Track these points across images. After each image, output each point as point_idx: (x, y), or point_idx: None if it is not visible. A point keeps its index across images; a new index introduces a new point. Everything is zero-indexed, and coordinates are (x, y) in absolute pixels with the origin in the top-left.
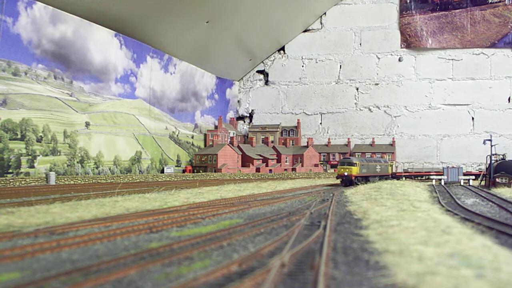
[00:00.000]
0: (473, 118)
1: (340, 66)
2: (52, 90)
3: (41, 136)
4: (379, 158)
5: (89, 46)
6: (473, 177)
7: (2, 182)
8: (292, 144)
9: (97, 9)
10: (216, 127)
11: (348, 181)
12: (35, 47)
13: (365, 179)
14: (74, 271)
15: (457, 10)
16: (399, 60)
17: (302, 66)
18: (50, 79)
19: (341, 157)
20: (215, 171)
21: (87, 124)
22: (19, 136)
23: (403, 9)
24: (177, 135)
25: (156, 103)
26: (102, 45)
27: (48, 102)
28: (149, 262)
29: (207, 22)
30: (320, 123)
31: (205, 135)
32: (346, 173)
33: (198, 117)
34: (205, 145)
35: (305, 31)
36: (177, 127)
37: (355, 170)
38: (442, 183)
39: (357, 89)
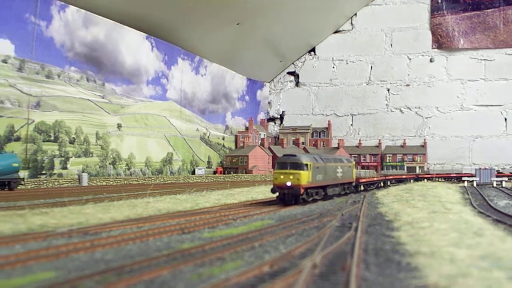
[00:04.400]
0: (506, 119)
1: (371, 67)
2: (85, 92)
3: (73, 137)
4: (339, 157)
5: (120, 48)
6: (506, 178)
7: (36, 183)
8: (323, 146)
9: (129, 12)
10: (247, 128)
11: (291, 197)
12: (68, 50)
13: (320, 190)
14: (107, 271)
15: (490, 10)
16: (431, 60)
17: (333, 67)
18: (83, 81)
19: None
20: (246, 173)
21: (119, 126)
22: (52, 138)
23: (434, 9)
24: (208, 137)
25: (187, 105)
26: (134, 48)
27: (80, 104)
28: (181, 262)
29: (237, 24)
30: (351, 124)
31: (236, 136)
32: (289, 183)
33: (229, 119)
34: (236, 147)
35: (335, 32)
36: (208, 128)
37: (304, 178)
38: (474, 184)
39: (388, 90)
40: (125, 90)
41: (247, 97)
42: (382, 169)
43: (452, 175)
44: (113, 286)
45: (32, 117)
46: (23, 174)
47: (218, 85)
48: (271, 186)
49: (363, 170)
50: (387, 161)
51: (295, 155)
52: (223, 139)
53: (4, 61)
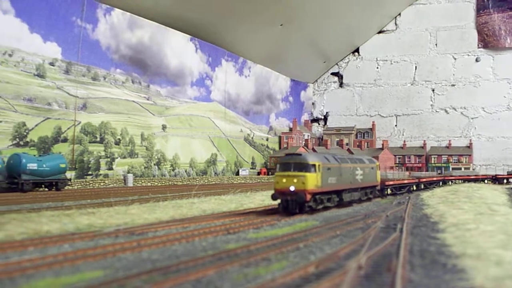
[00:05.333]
0: None
1: (416, 67)
2: (130, 94)
3: (119, 139)
4: (359, 156)
5: (165, 50)
6: None
7: (83, 183)
8: (367, 146)
9: (173, 14)
10: (290, 129)
11: (295, 205)
12: (114, 52)
13: (333, 196)
14: (154, 271)
15: None
16: (476, 60)
17: (377, 67)
18: (128, 83)
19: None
20: None
21: (164, 127)
22: (98, 139)
23: (480, 8)
24: (252, 138)
25: (231, 106)
26: (178, 50)
27: (126, 105)
28: (227, 262)
29: (281, 25)
30: (395, 125)
31: (279, 137)
32: (293, 188)
33: (273, 120)
34: (279, 148)
35: (379, 32)
36: (252, 129)
37: (311, 181)
38: None
39: (433, 90)
40: (170, 92)
41: (290, 98)
42: (427, 170)
43: (471, 177)
44: (160, 285)
45: (78, 119)
46: (70, 174)
47: (262, 86)
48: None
49: (391, 172)
50: (432, 162)
51: (300, 154)
52: (267, 140)
53: (52, 64)
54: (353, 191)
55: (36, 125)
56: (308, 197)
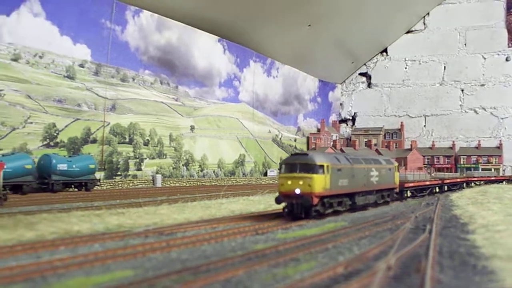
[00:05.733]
0: None
1: (444, 67)
2: (158, 95)
3: (147, 139)
4: (374, 157)
5: (193, 51)
6: None
7: (112, 184)
8: (396, 147)
9: (201, 16)
10: (318, 130)
11: (301, 209)
12: (142, 54)
13: (345, 199)
14: (184, 270)
15: None
16: (507, 59)
17: (405, 67)
18: (156, 84)
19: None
20: None
21: (192, 128)
22: (127, 140)
23: (510, 7)
24: (280, 138)
25: (259, 107)
26: (206, 50)
27: (154, 106)
28: (256, 263)
29: (308, 25)
30: (424, 126)
31: (307, 138)
32: (298, 190)
33: (301, 120)
34: (307, 148)
35: (407, 32)
36: (280, 130)
37: (319, 183)
38: None
39: (462, 90)
40: (198, 93)
41: (319, 99)
42: (456, 171)
43: (491, 178)
44: (190, 285)
45: (108, 120)
46: (99, 175)
47: (290, 87)
48: None
49: (411, 173)
50: (461, 163)
51: (306, 154)
52: (295, 140)
53: (81, 66)
54: (367, 194)
55: (66, 126)
56: (315, 200)
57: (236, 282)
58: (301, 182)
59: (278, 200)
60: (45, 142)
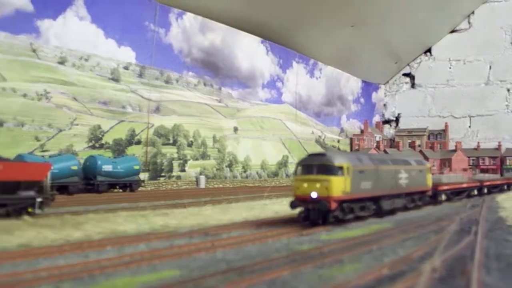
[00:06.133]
0: None
1: (490, 66)
2: (202, 96)
3: (191, 141)
4: (404, 157)
5: (236, 53)
6: None
7: (156, 185)
8: (440, 148)
9: (244, 17)
10: (362, 131)
11: (318, 214)
12: (186, 56)
13: (368, 204)
14: (229, 271)
15: None
16: None
17: (450, 67)
18: (200, 86)
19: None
20: None
21: (235, 129)
22: (171, 141)
23: None
24: (323, 139)
25: (302, 108)
26: (249, 52)
27: (198, 108)
28: (301, 264)
29: (352, 26)
30: (469, 126)
31: (351, 139)
32: (315, 194)
33: (344, 121)
34: (351, 149)
35: (452, 31)
36: (323, 131)
37: (337, 186)
38: None
39: (508, 90)
40: (241, 94)
41: (362, 100)
42: (501, 173)
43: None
44: (235, 285)
45: (152, 121)
46: (143, 176)
47: (333, 88)
48: None
49: (446, 175)
50: (508, 164)
51: (324, 154)
52: (338, 142)
53: (126, 68)
54: (395, 198)
55: (111, 128)
56: (333, 205)
57: (281, 283)
58: (318, 185)
59: (293, 205)
60: (90, 144)
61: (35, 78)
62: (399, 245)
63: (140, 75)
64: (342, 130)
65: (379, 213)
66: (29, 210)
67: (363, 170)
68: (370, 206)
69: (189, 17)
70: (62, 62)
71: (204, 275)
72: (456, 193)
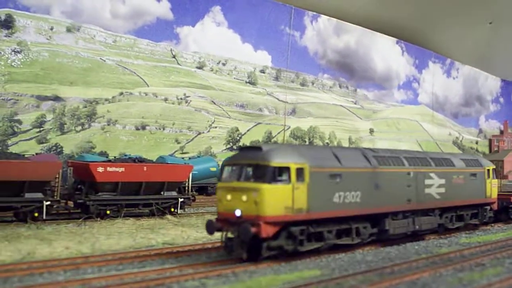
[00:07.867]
0: None
1: None
2: (337, 98)
3: (327, 142)
4: (439, 155)
5: (371, 54)
6: None
7: None
8: None
9: (379, 18)
10: (501, 132)
11: (242, 245)
12: (321, 58)
13: (360, 225)
14: (369, 271)
15: None
16: None
17: None
18: (335, 88)
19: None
20: (501, 178)
21: (371, 131)
22: (307, 143)
23: None
24: (461, 141)
25: (439, 109)
26: (384, 53)
27: (333, 110)
28: (440, 266)
29: (490, 23)
30: None
31: (489, 140)
32: (239, 212)
33: (482, 122)
34: (489, 151)
35: None
36: (460, 132)
37: (275, 199)
38: None
39: None
40: (377, 95)
41: (501, 99)
42: None
43: None
44: (376, 285)
45: (288, 123)
46: None
47: (471, 88)
48: None
49: None
50: None
51: (259, 148)
52: (477, 143)
53: (262, 71)
54: (416, 215)
55: (248, 130)
56: (267, 230)
57: (421, 284)
58: (244, 198)
59: (209, 228)
60: (228, 146)
61: (175, 82)
62: None
63: (276, 78)
64: (480, 131)
65: (380, 241)
66: (172, 209)
67: (341, 173)
68: (363, 228)
69: (323, 19)
70: (200, 66)
71: (345, 275)
72: None
